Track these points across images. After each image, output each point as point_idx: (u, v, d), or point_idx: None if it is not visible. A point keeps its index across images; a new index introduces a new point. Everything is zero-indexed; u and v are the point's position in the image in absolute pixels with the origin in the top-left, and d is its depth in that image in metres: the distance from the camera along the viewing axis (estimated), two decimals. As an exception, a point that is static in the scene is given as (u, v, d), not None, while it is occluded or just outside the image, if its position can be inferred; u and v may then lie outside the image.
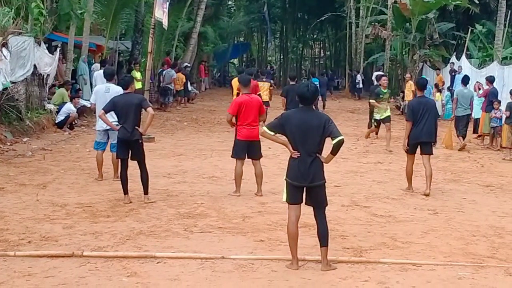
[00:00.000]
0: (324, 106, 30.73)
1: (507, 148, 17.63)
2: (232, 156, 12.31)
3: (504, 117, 17.93)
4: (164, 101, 30.05)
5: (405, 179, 12.93)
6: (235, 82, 19.15)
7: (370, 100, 19.99)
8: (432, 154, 12.64)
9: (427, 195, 12.21)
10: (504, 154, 17.76)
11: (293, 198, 7.82)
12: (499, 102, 19.32)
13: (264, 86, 21.48)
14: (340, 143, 7.54)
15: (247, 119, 11.88)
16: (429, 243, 8.95)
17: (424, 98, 12.97)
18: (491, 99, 19.54)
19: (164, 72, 30.55)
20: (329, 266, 7.59)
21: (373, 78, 35.68)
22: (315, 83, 30.68)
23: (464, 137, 19.46)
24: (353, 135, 22.04)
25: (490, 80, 20.87)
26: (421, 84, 13.24)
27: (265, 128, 7.85)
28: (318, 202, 7.75)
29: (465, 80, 20.67)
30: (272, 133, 7.83)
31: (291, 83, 20.57)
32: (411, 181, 12.75)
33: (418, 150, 12.55)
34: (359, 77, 43.39)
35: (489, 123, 19.41)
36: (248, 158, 12.26)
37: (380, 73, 31.60)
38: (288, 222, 7.82)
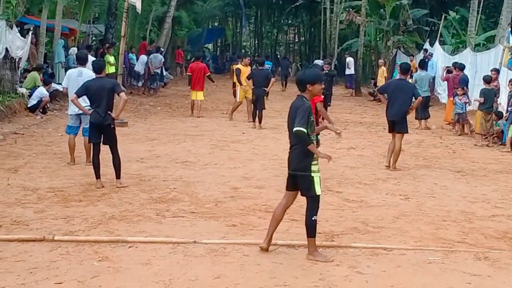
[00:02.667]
0: (285, 85, 31.80)
1: (479, 134, 17.77)
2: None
3: (477, 104, 18.08)
4: (152, 86, 29.93)
5: (377, 165, 13.12)
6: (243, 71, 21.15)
7: None
8: (405, 132, 13.32)
9: (387, 167, 12.58)
10: (476, 140, 17.93)
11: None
12: (463, 88, 19.56)
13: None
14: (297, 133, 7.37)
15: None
16: (400, 228, 9.01)
17: (403, 81, 13.65)
18: (461, 86, 19.74)
19: (151, 56, 30.37)
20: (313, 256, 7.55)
21: (347, 62, 36.00)
22: (268, 66, 31.34)
23: (425, 119, 20.65)
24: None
25: (460, 67, 21.17)
26: (404, 68, 13.97)
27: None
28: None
29: (422, 64, 22.28)
30: None
31: (259, 68, 20.95)
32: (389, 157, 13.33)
33: None
34: (316, 62, 44.25)
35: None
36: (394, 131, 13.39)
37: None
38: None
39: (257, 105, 19.88)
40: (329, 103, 21.75)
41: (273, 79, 20.58)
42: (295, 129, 7.32)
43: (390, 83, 14.08)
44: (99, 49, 29.28)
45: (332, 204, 10.34)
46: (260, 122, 19.78)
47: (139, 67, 29.66)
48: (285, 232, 8.48)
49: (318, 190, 7.45)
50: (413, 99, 13.11)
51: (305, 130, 7.30)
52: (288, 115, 7.60)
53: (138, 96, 28.56)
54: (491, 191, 11.87)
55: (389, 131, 13.52)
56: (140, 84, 30.04)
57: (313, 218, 7.48)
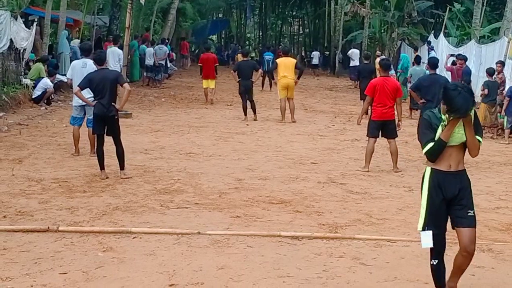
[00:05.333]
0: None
1: (483, 127, 17.73)
2: (367, 135, 12.81)
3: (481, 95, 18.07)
4: (157, 78, 29.91)
5: (381, 157, 13.16)
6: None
7: None
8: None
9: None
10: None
11: None
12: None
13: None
14: None
15: (382, 99, 12.40)
16: (404, 220, 9.01)
17: (435, 75, 13.61)
18: (464, 79, 19.71)
19: (156, 47, 30.36)
20: None
21: (349, 53, 35.95)
22: (269, 57, 30.89)
23: (416, 109, 20.37)
24: (331, 113, 22.11)
25: (464, 58, 21.16)
26: (433, 63, 13.94)
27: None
28: None
29: (417, 59, 22.74)
30: None
31: (244, 59, 20.88)
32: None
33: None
34: (314, 54, 44.40)
35: None
36: (382, 136, 12.75)
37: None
38: None
39: (247, 97, 19.55)
40: None
41: (260, 71, 20.54)
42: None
43: (422, 80, 13.89)
44: (105, 42, 29.23)
45: (336, 195, 10.35)
46: (254, 113, 19.57)
47: (148, 60, 29.62)
48: (288, 224, 8.50)
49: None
50: None
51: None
52: None
53: (143, 87, 28.54)
54: (495, 183, 11.86)
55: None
56: (160, 76, 30.08)
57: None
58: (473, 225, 5.98)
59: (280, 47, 36.87)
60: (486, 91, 17.54)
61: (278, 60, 19.77)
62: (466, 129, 5.71)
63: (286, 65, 19.03)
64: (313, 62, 43.94)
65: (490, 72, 18.12)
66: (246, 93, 19.47)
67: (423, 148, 5.90)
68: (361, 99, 20.55)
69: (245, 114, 19.42)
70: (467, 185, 6.00)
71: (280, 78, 19.07)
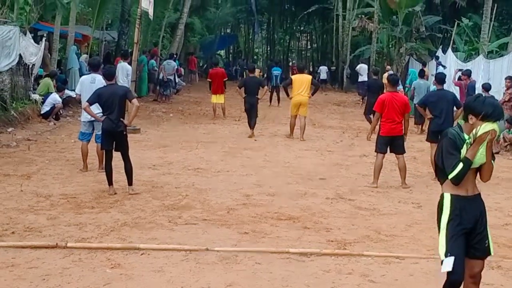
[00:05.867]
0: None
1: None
2: (375, 151, 12.79)
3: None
4: (166, 93, 29.94)
5: (389, 173, 13.13)
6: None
7: None
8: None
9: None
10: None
11: None
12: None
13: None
14: None
15: (390, 115, 12.43)
16: (412, 236, 8.99)
17: (442, 90, 13.70)
18: (470, 93, 19.70)
19: (164, 62, 30.47)
20: None
21: (357, 69, 35.99)
22: (277, 72, 30.78)
23: (422, 124, 20.70)
24: (339, 128, 22.10)
25: (467, 73, 21.29)
26: (440, 78, 13.96)
27: None
28: None
29: (421, 73, 22.85)
30: None
31: (250, 75, 20.68)
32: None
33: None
34: (321, 69, 44.49)
35: None
36: (390, 152, 12.77)
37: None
38: None
39: (251, 113, 19.36)
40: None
41: (266, 87, 20.34)
42: None
43: (430, 96, 13.99)
44: (116, 58, 29.33)
45: (345, 212, 10.33)
46: (252, 128, 19.30)
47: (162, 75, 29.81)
48: (297, 240, 8.48)
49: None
50: (455, 108, 13.25)
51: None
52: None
53: (151, 102, 28.60)
54: (504, 199, 11.81)
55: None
56: (168, 91, 30.13)
57: None
58: (487, 255, 5.87)
59: (294, 62, 36.78)
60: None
61: (293, 77, 19.60)
62: (488, 149, 5.54)
63: (301, 81, 18.77)
64: (321, 77, 43.99)
65: (486, 87, 18.11)
66: (251, 109, 19.35)
67: (452, 171, 5.51)
68: (368, 114, 20.47)
69: (252, 129, 19.30)
70: (485, 211, 5.86)
71: (294, 96, 18.84)
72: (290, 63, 65.72)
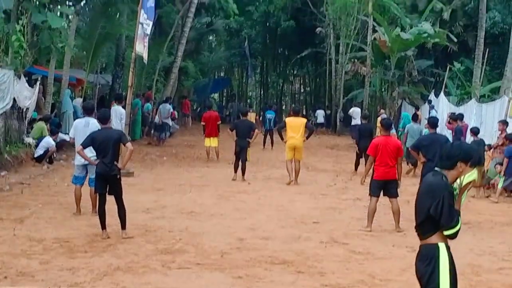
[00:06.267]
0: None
1: (478, 187, 17.42)
2: (369, 194, 12.78)
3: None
4: (161, 137, 30.00)
5: (383, 216, 13.11)
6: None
7: None
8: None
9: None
10: (475, 193, 17.52)
11: None
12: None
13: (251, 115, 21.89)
14: None
15: (383, 159, 12.48)
16: (406, 281, 8.94)
17: (435, 134, 13.81)
18: (458, 137, 19.77)
19: (160, 106, 30.65)
20: None
21: (350, 112, 36.19)
22: (270, 115, 30.79)
23: (415, 165, 20.95)
24: (332, 171, 22.12)
25: (457, 118, 21.51)
26: (432, 122, 14.09)
27: None
28: None
29: (414, 117, 23.37)
30: None
31: (242, 118, 20.52)
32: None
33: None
34: (318, 113, 44.96)
35: None
36: (384, 195, 12.73)
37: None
38: None
39: (240, 156, 19.22)
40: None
41: (257, 131, 20.14)
42: None
43: (422, 139, 14.08)
44: (111, 101, 29.42)
45: (339, 255, 10.30)
46: (243, 174, 19.13)
47: (157, 119, 30.02)
48: (291, 285, 8.44)
49: None
50: None
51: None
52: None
53: (145, 146, 28.63)
54: (498, 243, 11.80)
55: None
56: (163, 135, 30.28)
57: None
58: None
59: (293, 106, 36.75)
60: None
61: (287, 120, 19.53)
62: (459, 197, 5.49)
63: (295, 124, 18.64)
64: (318, 121, 44.04)
65: (475, 131, 18.21)
66: (241, 153, 19.23)
67: (455, 225, 5.36)
68: (360, 157, 20.83)
69: (235, 172, 19.20)
70: None
71: (288, 139, 18.73)
72: (284, 107, 65.94)
